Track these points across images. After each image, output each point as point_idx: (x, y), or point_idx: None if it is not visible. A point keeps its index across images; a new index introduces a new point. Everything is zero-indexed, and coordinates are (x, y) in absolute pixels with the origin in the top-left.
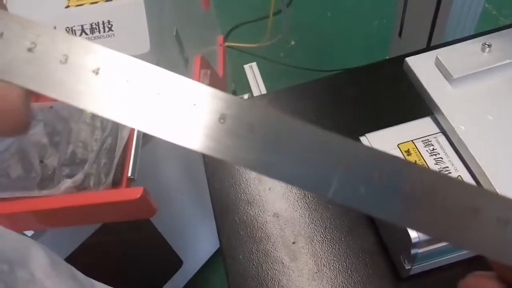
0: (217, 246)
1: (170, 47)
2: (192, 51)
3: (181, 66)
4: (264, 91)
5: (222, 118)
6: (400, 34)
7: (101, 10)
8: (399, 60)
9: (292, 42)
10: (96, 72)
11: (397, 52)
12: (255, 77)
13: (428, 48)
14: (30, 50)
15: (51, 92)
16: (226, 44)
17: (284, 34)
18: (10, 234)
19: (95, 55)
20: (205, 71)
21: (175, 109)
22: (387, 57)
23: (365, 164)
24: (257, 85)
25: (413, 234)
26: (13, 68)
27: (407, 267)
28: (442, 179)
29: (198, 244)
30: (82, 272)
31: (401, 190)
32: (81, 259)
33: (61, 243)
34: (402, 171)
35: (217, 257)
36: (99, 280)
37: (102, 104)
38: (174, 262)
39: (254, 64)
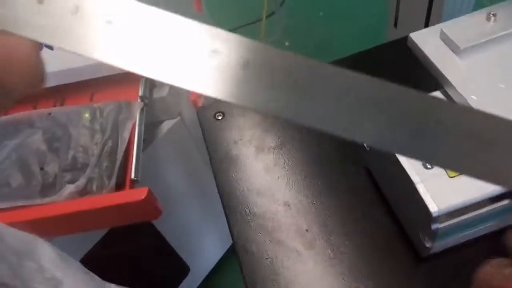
0: (225, 250)
1: None
2: None
3: None
4: None
5: (246, 64)
6: (395, 24)
7: None
8: (399, 42)
9: (287, 43)
10: (109, 22)
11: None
12: None
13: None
14: (40, 1)
15: (64, 43)
16: None
17: (279, 34)
18: (15, 230)
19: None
20: None
21: (194, 56)
22: None
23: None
24: None
25: (433, 207)
26: (24, 21)
27: (428, 245)
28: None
29: (205, 249)
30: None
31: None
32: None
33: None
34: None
35: (225, 262)
36: None
37: (115, 53)
38: (181, 269)
39: None
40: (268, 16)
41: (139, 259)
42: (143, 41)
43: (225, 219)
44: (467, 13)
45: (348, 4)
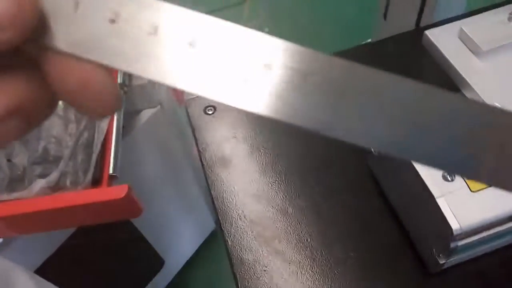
0: (199, 243)
1: None
2: None
3: None
4: None
5: (302, 76)
6: (385, 17)
7: None
8: (413, 35)
9: (266, 29)
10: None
11: (381, 35)
12: None
13: (418, 29)
14: (112, 21)
15: (141, 69)
16: None
17: (260, 19)
18: None
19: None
20: None
21: (246, 70)
22: (369, 41)
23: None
24: None
25: (455, 224)
26: (96, 44)
27: (442, 261)
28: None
29: (180, 242)
30: (58, 277)
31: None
32: (57, 264)
33: (34, 248)
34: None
35: (200, 255)
36: (75, 285)
37: (201, 81)
38: (156, 263)
39: None
40: None
41: (112, 252)
42: (194, 56)
43: (203, 212)
44: (462, 4)
45: None
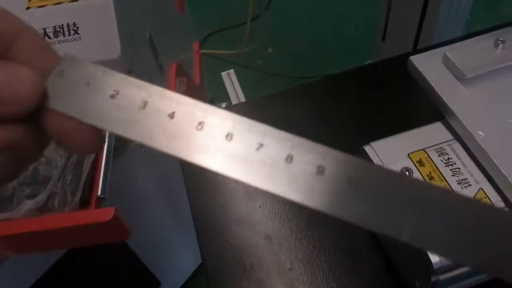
0: (197, 264)
1: (143, 53)
2: (167, 57)
3: (155, 74)
4: (243, 99)
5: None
6: (383, 38)
7: (65, 11)
8: (399, 60)
9: (270, 50)
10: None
11: (381, 56)
12: (233, 85)
13: (416, 51)
14: (112, 96)
15: (131, 135)
16: (202, 51)
17: (264, 38)
18: None
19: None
20: (181, 79)
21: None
22: (369, 62)
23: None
24: (236, 93)
25: (434, 258)
26: (98, 113)
27: None
28: None
29: (176, 263)
30: None
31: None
32: (47, 287)
33: (24, 270)
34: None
35: (197, 276)
36: None
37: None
38: (151, 284)
39: (231, 71)
40: (253, 19)
41: (106, 273)
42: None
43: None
44: (458, 30)
45: (335, 12)
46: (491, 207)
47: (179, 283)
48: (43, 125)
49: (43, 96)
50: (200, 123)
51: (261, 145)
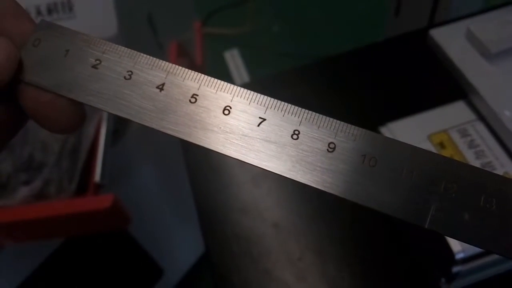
0: (201, 251)
1: (142, 32)
2: (168, 37)
3: (155, 53)
4: (247, 80)
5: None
6: (397, 13)
7: None
8: (415, 36)
9: (276, 28)
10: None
11: (394, 33)
12: (237, 65)
13: (431, 26)
14: (94, 66)
15: (115, 110)
16: (205, 30)
17: (269, 16)
18: None
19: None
20: (183, 59)
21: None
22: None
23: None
24: (240, 74)
25: (457, 248)
26: (78, 85)
27: (444, 286)
28: None
29: (179, 250)
30: None
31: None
32: (46, 276)
33: (22, 258)
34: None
35: (201, 264)
36: None
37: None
38: (154, 272)
39: (235, 51)
40: None
41: (106, 261)
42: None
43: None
44: (477, 3)
45: None
46: None
47: (183, 270)
48: (18, 100)
49: (18, 68)
50: (194, 96)
51: (262, 119)
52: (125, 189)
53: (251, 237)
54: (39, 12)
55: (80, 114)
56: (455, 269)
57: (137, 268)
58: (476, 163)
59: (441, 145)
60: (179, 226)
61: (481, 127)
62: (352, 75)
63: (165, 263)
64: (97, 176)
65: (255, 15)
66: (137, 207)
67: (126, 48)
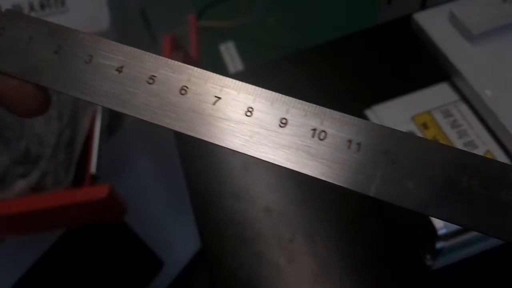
0: (200, 243)
1: (135, 25)
2: (161, 29)
3: (148, 47)
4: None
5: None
6: (389, 1)
7: None
8: (404, 22)
9: (271, 20)
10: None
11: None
12: (232, 58)
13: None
14: (56, 52)
15: (76, 93)
16: (200, 23)
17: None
18: None
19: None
20: (177, 53)
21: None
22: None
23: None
24: (235, 67)
25: (439, 224)
26: (42, 71)
27: (429, 263)
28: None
29: (179, 242)
30: (47, 284)
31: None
32: (46, 269)
33: (22, 251)
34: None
35: (201, 256)
36: None
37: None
38: (154, 264)
39: (230, 43)
40: None
41: (105, 254)
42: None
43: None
44: None
45: None
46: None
47: (183, 261)
48: None
49: None
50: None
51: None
52: (123, 181)
53: (243, 222)
54: (32, 8)
55: (45, 98)
56: (439, 245)
57: (137, 260)
58: (459, 142)
59: (424, 126)
60: (178, 218)
61: (463, 107)
62: (339, 61)
63: (165, 255)
64: (92, 167)
65: (250, 7)
66: (136, 199)
67: (86, 34)
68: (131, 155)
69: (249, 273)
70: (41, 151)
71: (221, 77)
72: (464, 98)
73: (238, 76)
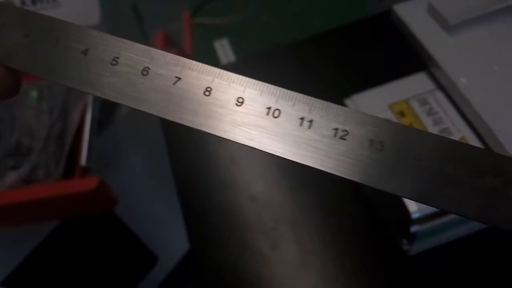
0: None
1: (127, 20)
2: (155, 25)
3: (138, 41)
4: None
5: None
6: None
7: None
8: (385, 16)
9: (265, 18)
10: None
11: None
12: (227, 55)
13: None
14: (27, 35)
15: (45, 75)
16: (194, 20)
17: (256, 7)
18: None
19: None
20: (170, 49)
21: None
22: None
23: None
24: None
25: (413, 208)
26: (13, 54)
27: (406, 247)
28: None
29: (173, 236)
30: (39, 278)
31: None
32: (38, 264)
33: (12, 246)
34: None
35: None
36: (62, 286)
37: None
38: (148, 259)
39: (225, 40)
40: None
41: (98, 249)
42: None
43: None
44: None
45: None
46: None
47: (177, 256)
48: None
49: None
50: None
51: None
52: (116, 175)
53: (229, 210)
54: (23, 3)
55: (15, 80)
56: (413, 228)
57: (132, 255)
58: (434, 129)
59: (401, 114)
60: (173, 213)
61: (440, 96)
62: (322, 54)
63: (159, 250)
64: (83, 160)
65: (244, 4)
66: (131, 195)
67: (56, 20)
68: (125, 149)
69: (234, 259)
70: (32, 143)
71: (181, 58)
72: (441, 87)
73: (225, 67)
